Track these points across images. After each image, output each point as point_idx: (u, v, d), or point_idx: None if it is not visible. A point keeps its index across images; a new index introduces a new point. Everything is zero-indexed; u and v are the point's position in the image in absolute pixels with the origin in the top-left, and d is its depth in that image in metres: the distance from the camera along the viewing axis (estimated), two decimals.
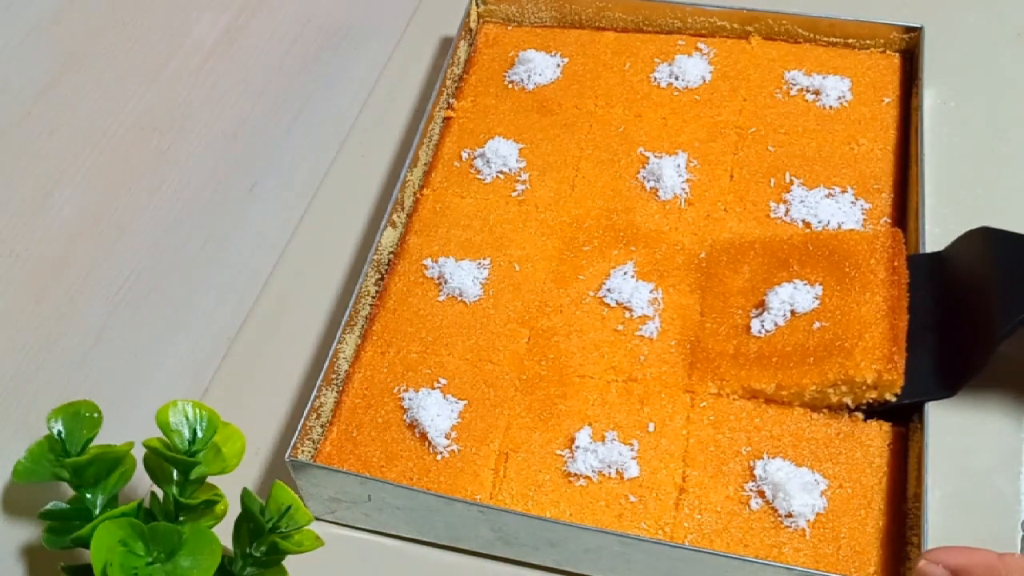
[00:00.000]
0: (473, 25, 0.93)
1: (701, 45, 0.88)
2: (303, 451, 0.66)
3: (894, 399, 0.64)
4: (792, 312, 0.68)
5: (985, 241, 0.67)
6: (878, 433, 0.65)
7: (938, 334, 0.66)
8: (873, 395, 0.65)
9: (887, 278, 0.67)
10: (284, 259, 0.85)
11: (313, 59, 0.89)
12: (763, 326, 0.69)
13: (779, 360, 0.67)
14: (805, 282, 0.69)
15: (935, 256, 0.70)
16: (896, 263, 0.68)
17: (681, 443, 0.66)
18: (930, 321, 0.67)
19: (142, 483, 0.60)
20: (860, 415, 0.66)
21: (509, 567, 0.66)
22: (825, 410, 0.66)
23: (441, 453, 0.67)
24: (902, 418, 0.67)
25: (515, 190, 0.81)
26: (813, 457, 0.65)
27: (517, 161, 0.82)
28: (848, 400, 0.66)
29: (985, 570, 0.52)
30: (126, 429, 0.59)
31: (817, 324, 0.67)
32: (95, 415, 0.57)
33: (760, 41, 0.88)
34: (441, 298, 0.75)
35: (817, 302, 0.68)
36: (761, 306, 0.70)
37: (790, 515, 0.62)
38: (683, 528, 0.63)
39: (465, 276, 0.75)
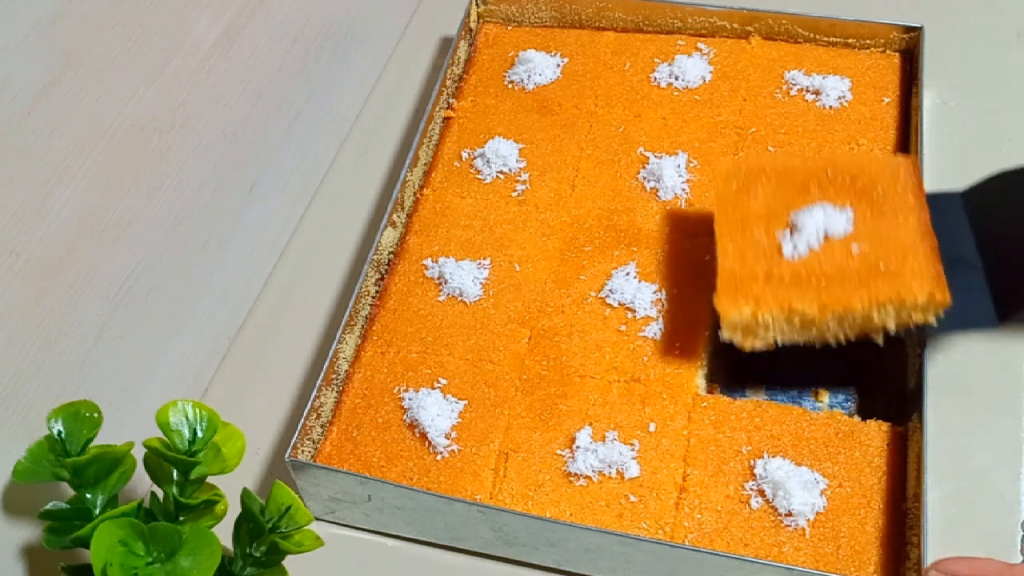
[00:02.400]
0: (473, 25, 0.93)
1: (701, 45, 0.88)
2: (303, 451, 0.66)
3: (936, 323, 0.63)
4: (826, 236, 0.65)
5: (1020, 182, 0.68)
6: (877, 433, 0.65)
7: (971, 268, 0.66)
8: (919, 317, 0.63)
9: (915, 202, 0.67)
10: (284, 259, 0.85)
11: (313, 59, 0.89)
12: (796, 249, 0.65)
13: (819, 281, 0.63)
14: (834, 205, 0.67)
15: (950, 195, 0.71)
16: (919, 189, 0.67)
17: (682, 443, 0.66)
18: (956, 255, 0.66)
19: (142, 483, 0.60)
20: (858, 416, 0.67)
21: (509, 567, 0.66)
22: (825, 411, 0.66)
23: (441, 453, 0.67)
24: (902, 418, 0.67)
25: (515, 190, 0.81)
26: (813, 456, 0.65)
27: (517, 161, 0.82)
28: (891, 323, 0.64)
29: None
30: (126, 429, 0.59)
31: (856, 247, 0.65)
32: (95, 415, 0.57)
33: (760, 41, 0.88)
34: (441, 298, 0.75)
35: (850, 226, 0.66)
36: (790, 228, 0.67)
37: (790, 514, 0.62)
38: (683, 528, 0.63)
39: (465, 276, 0.75)
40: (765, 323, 0.64)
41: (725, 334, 0.65)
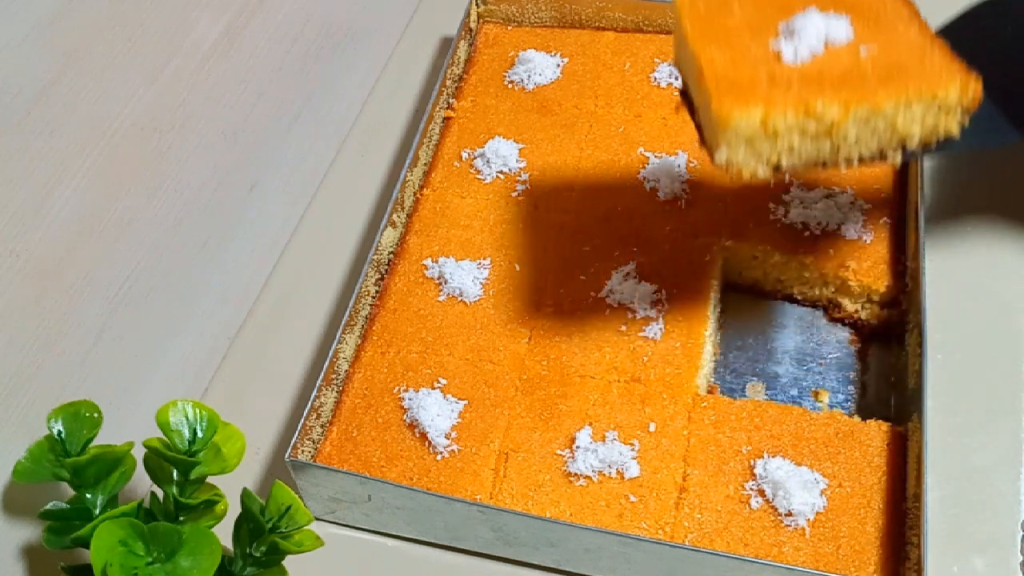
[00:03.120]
0: (473, 25, 0.93)
1: None
2: (303, 451, 0.66)
3: (958, 128, 0.56)
4: (827, 44, 0.57)
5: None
6: (877, 433, 0.65)
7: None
8: (948, 120, 0.56)
9: (912, 13, 0.60)
10: (284, 259, 0.85)
11: (313, 59, 0.89)
12: (797, 53, 0.56)
13: (834, 82, 0.55)
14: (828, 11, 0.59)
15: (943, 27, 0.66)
16: (911, 5, 0.60)
17: (682, 443, 0.66)
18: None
19: (142, 483, 0.60)
20: (858, 416, 0.67)
21: (509, 567, 0.66)
22: (823, 412, 0.66)
23: (441, 453, 0.67)
24: (902, 418, 0.67)
25: (515, 190, 0.81)
26: (813, 456, 0.65)
27: (517, 161, 0.82)
28: (916, 128, 0.56)
29: None
30: (126, 429, 0.59)
31: (864, 49, 0.57)
32: (95, 415, 0.57)
33: None
34: (441, 298, 0.75)
35: (852, 32, 0.58)
36: (785, 34, 0.58)
37: (790, 514, 0.62)
38: (683, 528, 0.63)
39: (465, 276, 0.75)
40: (776, 131, 0.54)
41: (723, 153, 0.54)
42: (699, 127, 0.60)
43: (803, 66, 0.56)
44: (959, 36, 0.61)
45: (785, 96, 0.54)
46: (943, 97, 0.55)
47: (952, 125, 0.56)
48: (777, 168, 0.56)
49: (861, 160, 0.57)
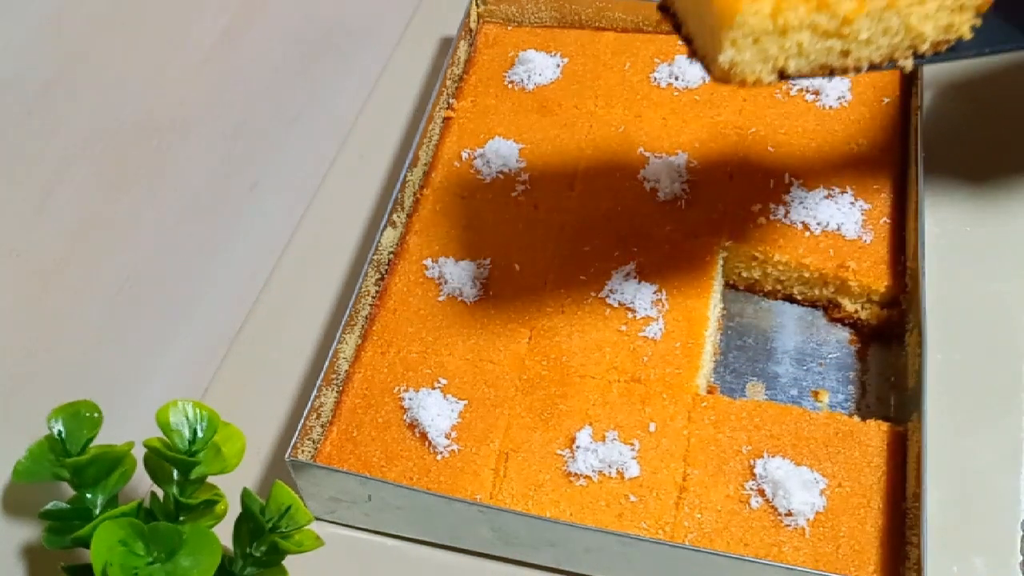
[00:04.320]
0: (473, 25, 0.93)
1: None
2: (303, 451, 0.66)
3: (970, 30, 0.54)
4: None
5: None
6: (877, 433, 0.65)
7: None
8: (959, 19, 0.54)
9: None
10: (284, 259, 0.85)
11: (313, 59, 0.89)
12: None
13: None
14: None
15: None
16: None
17: (682, 442, 0.66)
18: None
19: (142, 483, 0.60)
20: (858, 416, 0.67)
21: (509, 567, 0.66)
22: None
23: (441, 453, 0.67)
24: (902, 418, 0.67)
25: (515, 190, 0.81)
26: (812, 456, 0.65)
27: (517, 161, 0.82)
28: (930, 29, 0.53)
29: None
30: (126, 429, 0.59)
31: None
32: (95, 415, 0.57)
33: None
34: (441, 298, 0.75)
35: None
36: None
37: (790, 513, 0.62)
38: (683, 527, 0.63)
39: (465, 276, 0.75)
40: (786, 27, 0.50)
41: (728, 55, 0.50)
42: (688, 39, 0.56)
43: None
44: None
45: None
46: None
47: (964, 25, 0.54)
48: (783, 74, 0.52)
49: (872, 66, 0.54)
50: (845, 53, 0.53)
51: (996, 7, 0.55)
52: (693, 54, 0.55)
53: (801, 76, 0.53)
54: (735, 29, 0.49)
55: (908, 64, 0.55)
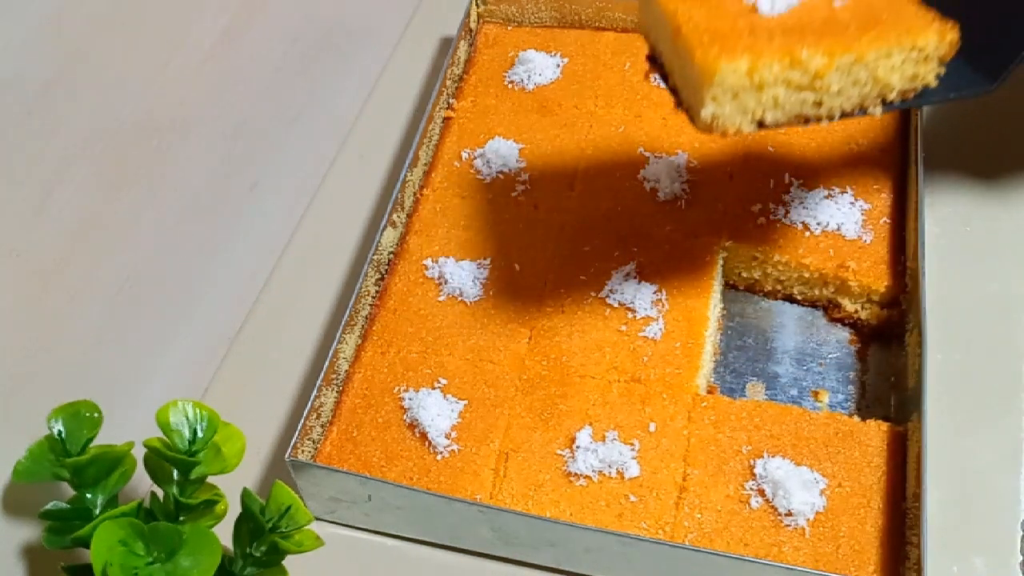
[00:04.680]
0: (473, 25, 0.93)
1: None
2: (303, 451, 0.66)
3: (935, 78, 0.57)
4: None
5: None
6: (877, 433, 0.65)
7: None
8: (927, 68, 0.57)
9: None
10: (284, 259, 0.85)
11: (313, 59, 0.89)
12: (774, 5, 0.56)
13: (816, 32, 0.55)
14: None
15: None
16: None
17: (682, 443, 0.66)
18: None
19: (142, 483, 0.60)
20: (858, 416, 0.67)
21: (509, 567, 0.66)
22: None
23: (441, 453, 0.67)
24: (902, 418, 0.67)
25: (515, 190, 0.81)
26: (812, 456, 0.65)
27: (517, 161, 0.82)
28: (896, 79, 0.57)
29: None
30: (126, 429, 0.59)
31: (838, 1, 0.57)
32: (95, 415, 0.57)
33: None
34: (441, 298, 0.75)
35: None
36: None
37: (790, 513, 0.62)
38: (683, 527, 0.63)
39: (465, 276, 0.75)
40: (762, 82, 0.53)
41: (709, 108, 0.53)
42: (674, 91, 0.59)
43: (781, 17, 0.56)
44: None
45: (769, 46, 0.53)
46: (922, 44, 0.56)
47: (930, 74, 0.57)
48: (761, 124, 0.55)
49: (843, 114, 0.57)
50: (818, 104, 0.57)
51: (959, 53, 0.58)
52: (679, 104, 0.58)
53: (779, 126, 0.56)
54: (715, 86, 0.52)
55: (877, 111, 0.58)
